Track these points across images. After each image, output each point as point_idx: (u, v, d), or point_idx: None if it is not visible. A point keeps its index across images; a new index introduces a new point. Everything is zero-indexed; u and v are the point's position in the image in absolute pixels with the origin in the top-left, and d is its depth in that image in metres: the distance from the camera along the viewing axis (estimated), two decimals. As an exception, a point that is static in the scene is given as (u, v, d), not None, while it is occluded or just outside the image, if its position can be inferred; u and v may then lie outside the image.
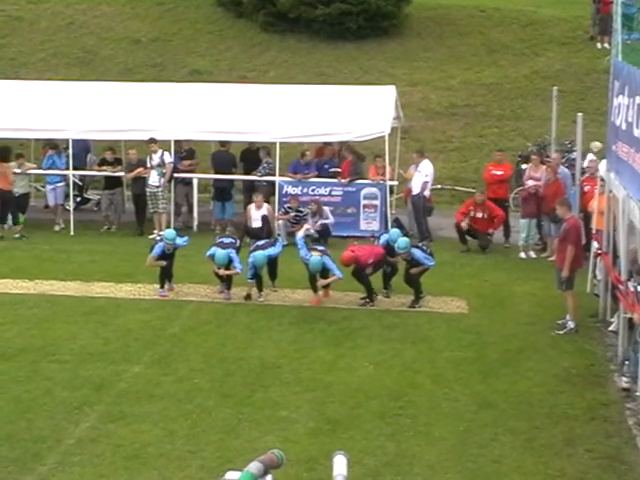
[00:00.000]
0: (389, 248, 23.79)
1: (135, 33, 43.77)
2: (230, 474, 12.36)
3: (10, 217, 30.86)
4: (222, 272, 23.96)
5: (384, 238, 24.46)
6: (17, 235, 30.34)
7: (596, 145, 27.45)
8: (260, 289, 23.87)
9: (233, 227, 29.93)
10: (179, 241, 24.34)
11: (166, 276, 24.33)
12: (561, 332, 21.17)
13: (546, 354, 20.32)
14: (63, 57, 39.12)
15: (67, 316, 22.72)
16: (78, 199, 32.67)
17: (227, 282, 23.98)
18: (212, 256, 23.81)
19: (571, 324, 21.26)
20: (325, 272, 23.25)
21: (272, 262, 24.20)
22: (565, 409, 17.72)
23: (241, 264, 23.61)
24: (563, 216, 21.86)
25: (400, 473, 15.13)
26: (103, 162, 32.33)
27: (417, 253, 23.40)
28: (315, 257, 22.98)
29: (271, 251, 23.75)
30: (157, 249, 24.02)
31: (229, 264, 23.83)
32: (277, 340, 21.14)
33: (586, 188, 26.12)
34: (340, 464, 13.31)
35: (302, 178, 30.78)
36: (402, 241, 23.36)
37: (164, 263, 24.12)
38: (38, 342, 20.87)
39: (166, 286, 24.34)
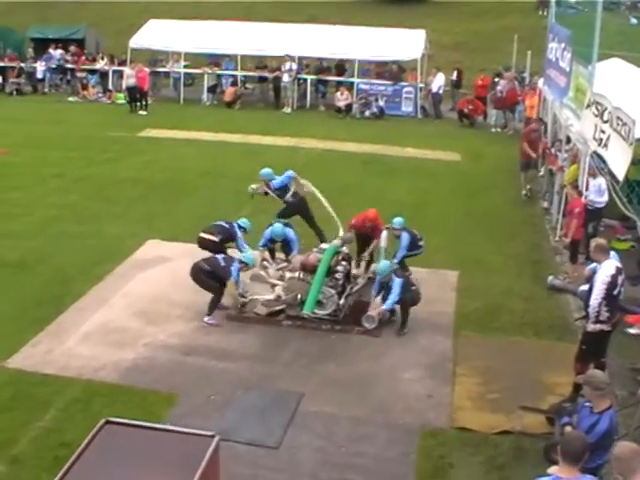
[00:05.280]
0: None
1: None
2: (323, 245, 13.01)
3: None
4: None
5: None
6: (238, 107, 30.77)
7: None
8: None
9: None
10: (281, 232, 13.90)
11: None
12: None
13: (504, 187, 20.32)
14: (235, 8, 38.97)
15: (233, 154, 22.89)
16: (243, 88, 32.83)
17: None
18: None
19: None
20: None
21: None
22: (512, 218, 17.94)
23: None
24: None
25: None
26: (257, 67, 32.45)
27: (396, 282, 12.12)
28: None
29: None
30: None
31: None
32: (352, 172, 21.14)
33: (530, 92, 26.06)
34: (383, 237, 13.71)
35: (370, 78, 30.91)
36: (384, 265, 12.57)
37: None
38: (217, 168, 21.28)
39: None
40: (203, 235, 13.54)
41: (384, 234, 13.65)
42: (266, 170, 15.27)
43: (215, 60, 32.78)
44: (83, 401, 9.92)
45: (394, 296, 12.01)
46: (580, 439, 6.35)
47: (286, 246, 14.05)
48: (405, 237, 13.52)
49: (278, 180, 15.10)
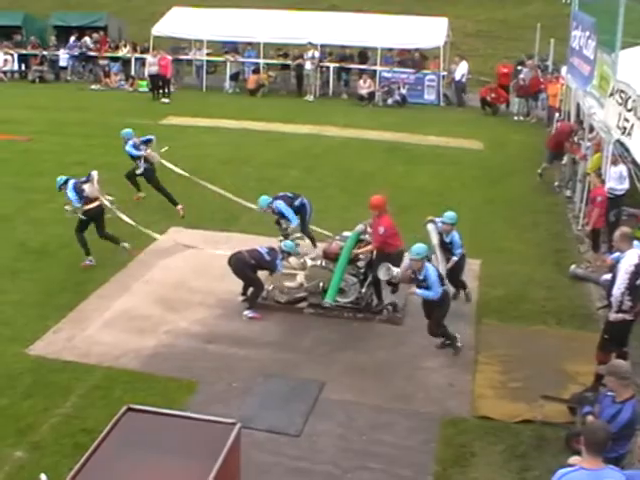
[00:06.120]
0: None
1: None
2: (345, 233, 13.01)
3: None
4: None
5: None
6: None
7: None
8: None
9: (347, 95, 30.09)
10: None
11: None
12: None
13: (527, 175, 20.21)
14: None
15: (255, 141, 22.92)
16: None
17: None
18: None
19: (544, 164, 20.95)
20: None
21: None
22: (534, 206, 17.85)
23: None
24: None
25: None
26: (279, 55, 32.24)
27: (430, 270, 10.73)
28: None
29: None
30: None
31: None
32: (374, 160, 21.27)
33: (553, 81, 25.85)
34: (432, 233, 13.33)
35: (392, 66, 30.59)
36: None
37: None
38: (240, 155, 21.30)
39: None
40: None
41: (430, 227, 12.26)
42: (126, 130, 16.99)
43: (233, 47, 32.76)
44: (103, 388, 9.96)
45: (433, 291, 10.74)
46: (604, 429, 6.30)
47: (282, 219, 13.86)
48: (456, 235, 12.18)
49: (132, 150, 16.58)
